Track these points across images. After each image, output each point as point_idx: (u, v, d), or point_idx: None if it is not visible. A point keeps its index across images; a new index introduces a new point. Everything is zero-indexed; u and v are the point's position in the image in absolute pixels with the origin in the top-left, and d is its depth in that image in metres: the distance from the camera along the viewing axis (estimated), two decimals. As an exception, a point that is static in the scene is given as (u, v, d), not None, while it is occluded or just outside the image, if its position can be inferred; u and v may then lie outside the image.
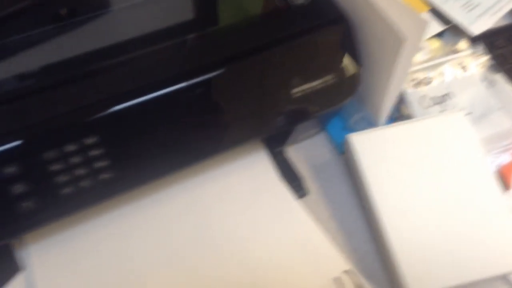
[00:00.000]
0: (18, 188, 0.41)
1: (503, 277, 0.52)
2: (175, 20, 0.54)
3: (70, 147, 0.42)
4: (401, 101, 0.61)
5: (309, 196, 0.57)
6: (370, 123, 0.60)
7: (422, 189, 0.53)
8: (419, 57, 0.63)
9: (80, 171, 0.43)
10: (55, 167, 0.42)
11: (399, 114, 0.62)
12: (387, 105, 0.56)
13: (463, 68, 0.62)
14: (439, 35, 0.68)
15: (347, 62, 0.52)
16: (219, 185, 0.54)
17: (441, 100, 0.61)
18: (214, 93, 0.47)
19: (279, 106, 0.50)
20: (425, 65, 0.62)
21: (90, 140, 0.43)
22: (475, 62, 0.63)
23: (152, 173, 0.47)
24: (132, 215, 0.51)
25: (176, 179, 0.53)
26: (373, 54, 0.52)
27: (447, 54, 0.64)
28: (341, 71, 0.52)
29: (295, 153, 0.61)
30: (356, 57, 0.52)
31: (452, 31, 0.69)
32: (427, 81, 0.61)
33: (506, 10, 0.70)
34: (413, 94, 0.61)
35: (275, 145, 0.58)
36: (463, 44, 0.63)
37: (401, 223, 0.52)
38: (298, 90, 0.50)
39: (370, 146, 0.56)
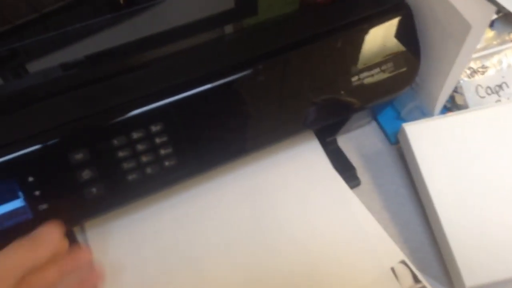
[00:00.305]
0: (86, 174, 0.42)
1: None
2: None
3: (136, 134, 0.43)
4: (456, 90, 0.60)
5: (361, 186, 0.57)
6: (423, 113, 0.59)
7: (479, 180, 0.52)
8: (474, 46, 0.62)
9: (145, 158, 0.43)
10: (122, 153, 0.42)
11: (453, 103, 0.61)
12: (444, 95, 0.55)
13: (520, 57, 0.61)
14: (490, 25, 0.67)
15: (407, 50, 0.51)
16: (273, 174, 0.54)
17: (497, 89, 0.60)
18: (272, 82, 0.47)
19: (336, 95, 0.49)
20: (481, 53, 0.61)
21: (154, 128, 0.43)
22: (532, 51, 0.61)
23: (211, 161, 0.47)
24: (191, 202, 0.51)
25: (233, 168, 0.53)
26: (434, 42, 0.51)
27: (502, 43, 0.62)
28: (400, 59, 0.51)
29: (346, 143, 0.60)
30: (416, 45, 0.52)
31: (503, 20, 0.67)
32: (482, 70, 0.60)
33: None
34: (468, 83, 0.60)
35: (327, 134, 0.58)
36: (520, 33, 0.62)
37: (457, 214, 0.51)
38: (355, 79, 0.49)
39: (425, 136, 0.55)
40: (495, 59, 0.61)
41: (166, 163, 0.44)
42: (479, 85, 0.60)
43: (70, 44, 0.49)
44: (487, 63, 0.60)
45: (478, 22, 0.45)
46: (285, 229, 0.50)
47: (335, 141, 0.58)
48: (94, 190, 0.42)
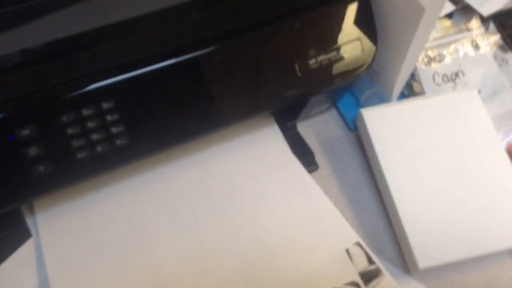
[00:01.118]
0: (33, 151, 0.40)
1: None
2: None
3: (86, 111, 0.42)
4: (413, 78, 0.61)
5: (319, 171, 0.57)
6: (381, 99, 0.60)
7: (433, 164, 0.53)
8: (431, 34, 0.63)
9: (95, 136, 0.42)
10: (71, 130, 0.41)
11: (410, 91, 0.62)
12: (401, 81, 0.56)
13: (475, 46, 0.62)
14: (449, 16, 0.68)
15: (364, 34, 0.51)
16: (232, 158, 0.53)
17: (453, 77, 0.61)
18: (229, 62, 0.46)
19: (293, 77, 0.49)
20: (438, 42, 0.62)
21: (106, 105, 0.42)
22: (487, 41, 0.62)
23: (165, 142, 0.46)
24: (144, 185, 0.50)
25: (188, 151, 0.53)
26: (390, 27, 0.52)
27: (458, 32, 0.63)
28: (357, 43, 0.51)
29: (305, 129, 0.60)
30: (373, 30, 0.52)
31: (461, 12, 0.69)
32: (439, 58, 0.61)
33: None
34: (425, 71, 0.61)
35: (287, 119, 0.58)
36: (474, 22, 0.63)
37: (411, 198, 0.52)
38: (312, 62, 0.49)
39: (382, 121, 0.56)
40: (451, 47, 0.62)
41: (118, 142, 0.43)
42: (436, 73, 0.61)
43: (21, 19, 0.47)
44: (444, 52, 0.62)
45: (431, 6, 0.46)
46: (241, 212, 0.50)
47: (294, 127, 0.59)
48: (41, 167, 0.41)
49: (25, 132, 0.40)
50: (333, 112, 0.63)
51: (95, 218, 0.48)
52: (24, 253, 0.45)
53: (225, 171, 0.52)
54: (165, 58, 0.44)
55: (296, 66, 0.49)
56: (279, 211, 0.51)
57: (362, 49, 0.52)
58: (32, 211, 0.48)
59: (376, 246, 0.52)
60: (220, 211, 0.50)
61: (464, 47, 0.62)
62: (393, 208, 0.52)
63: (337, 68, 0.51)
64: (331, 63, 0.50)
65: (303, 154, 0.56)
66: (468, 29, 0.63)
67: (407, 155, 0.54)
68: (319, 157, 0.58)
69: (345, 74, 0.52)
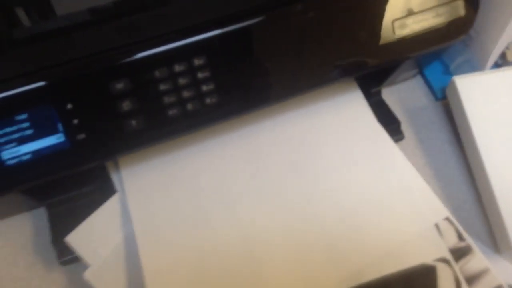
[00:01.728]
0: (127, 105, 0.40)
1: None
2: None
3: (179, 67, 0.40)
4: (507, 47, 0.56)
5: (404, 141, 0.54)
6: (474, 68, 0.56)
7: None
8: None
9: (186, 93, 0.41)
10: (163, 87, 0.40)
11: (504, 61, 0.57)
12: (499, 48, 0.52)
13: None
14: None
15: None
16: (315, 122, 0.51)
17: (554, 47, 0.56)
18: (316, 22, 0.44)
19: (384, 38, 0.46)
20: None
21: (197, 62, 0.41)
22: None
23: (253, 102, 0.45)
24: (228, 145, 0.49)
25: (271, 113, 0.51)
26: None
27: None
28: (457, 5, 0.47)
29: (389, 96, 0.57)
30: (475, -9, 0.48)
31: None
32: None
33: None
34: (524, 38, 0.56)
35: (371, 85, 0.55)
36: None
37: (507, 174, 0.48)
38: (407, 23, 0.46)
39: (477, 91, 0.52)
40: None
41: (208, 100, 0.42)
42: (536, 41, 0.56)
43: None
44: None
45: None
46: (325, 179, 0.48)
47: (379, 93, 0.56)
48: (134, 122, 0.40)
49: (120, 85, 0.39)
50: (419, 79, 0.60)
51: (180, 175, 0.47)
52: (109, 209, 0.46)
53: (308, 135, 0.51)
54: (253, 16, 0.42)
55: (388, 28, 0.46)
56: (364, 180, 0.49)
57: (462, 11, 0.48)
58: (117, 166, 0.48)
59: (463, 221, 0.49)
60: (303, 176, 0.49)
61: None
62: (485, 183, 0.49)
63: (433, 31, 0.47)
64: (427, 25, 0.47)
65: (388, 122, 0.53)
66: None
67: (503, 128, 0.50)
68: (404, 127, 0.55)
69: (441, 38, 0.48)
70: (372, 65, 0.47)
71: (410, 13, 0.46)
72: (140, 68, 0.40)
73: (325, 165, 0.49)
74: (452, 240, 0.46)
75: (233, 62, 0.42)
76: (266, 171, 0.48)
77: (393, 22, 0.45)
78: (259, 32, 0.42)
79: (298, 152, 0.50)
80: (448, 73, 0.58)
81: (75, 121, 0.39)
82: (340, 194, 0.48)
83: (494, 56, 0.53)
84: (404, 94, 0.58)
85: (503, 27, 0.49)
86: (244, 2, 0.42)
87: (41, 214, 0.49)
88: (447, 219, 0.47)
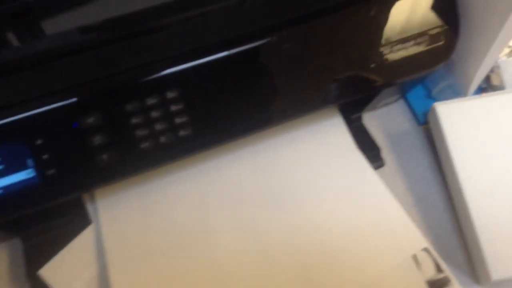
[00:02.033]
0: (98, 139, 0.39)
1: None
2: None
3: (151, 100, 0.40)
4: (492, 70, 0.56)
5: (384, 167, 0.54)
6: (456, 93, 0.55)
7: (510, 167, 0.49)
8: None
9: (159, 126, 0.41)
10: (135, 120, 0.40)
11: (488, 84, 0.57)
12: (481, 74, 0.51)
13: None
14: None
15: (445, 23, 0.47)
16: (293, 149, 0.51)
17: (538, 71, 0.56)
18: (295, 52, 0.43)
19: (367, 68, 0.46)
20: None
21: (171, 94, 0.41)
22: None
23: (228, 134, 0.44)
24: (204, 175, 0.49)
25: (250, 142, 0.51)
26: (475, 16, 0.47)
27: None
28: (437, 33, 0.47)
29: (370, 121, 0.57)
30: (455, 18, 0.48)
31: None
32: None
33: None
34: (506, 62, 0.56)
35: (352, 111, 0.55)
36: None
37: (486, 202, 0.48)
38: (388, 52, 0.46)
39: (458, 117, 0.51)
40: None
41: (181, 133, 0.42)
42: (518, 64, 0.56)
43: (86, 4, 0.46)
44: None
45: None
46: (302, 207, 0.48)
47: (360, 118, 0.55)
48: (105, 156, 0.40)
49: (90, 120, 0.39)
50: (401, 103, 0.59)
51: (155, 207, 0.47)
52: (83, 240, 0.45)
53: (286, 163, 0.50)
54: (227, 47, 0.41)
55: (370, 56, 0.45)
56: (342, 209, 0.48)
57: (442, 39, 0.47)
58: (92, 198, 0.47)
59: (443, 250, 0.49)
60: (281, 205, 0.48)
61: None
62: (465, 212, 0.48)
63: (414, 59, 0.47)
64: (407, 53, 0.47)
65: (368, 149, 0.53)
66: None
67: (483, 156, 0.50)
68: (385, 152, 0.55)
69: (422, 65, 0.48)
70: (352, 94, 0.47)
71: (390, 42, 0.46)
72: (111, 101, 0.39)
73: (302, 194, 0.49)
74: (430, 271, 0.46)
75: (207, 93, 0.42)
76: (244, 202, 0.48)
77: (373, 50, 0.45)
78: (234, 63, 0.42)
79: (276, 181, 0.49)
80: (431, 97, 0.57)
81: (45, 157, 0.39)
82: (317, 224, 0.47)
83: (477, 81, 0.53)
84: (387, 119, 0.58)
85: (484, 52, 0.48)
86: (219, 34, 0.42)
87: (17, 244, 0.48)
88: (425, 249, 0.47)
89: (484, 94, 0.54)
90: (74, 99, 0.38)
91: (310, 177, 0.50)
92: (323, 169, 0.50)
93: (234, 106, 0.43)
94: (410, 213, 0.50)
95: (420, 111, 0.57)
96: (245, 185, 0.49)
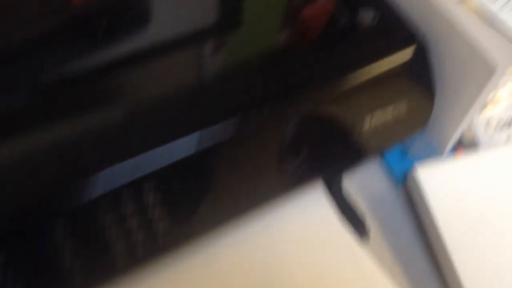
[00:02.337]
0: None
1: None
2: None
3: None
4: (468, 126, 0.56)
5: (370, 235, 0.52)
6: (433, 151, 0.54)
7: (502, 229, 0.48)
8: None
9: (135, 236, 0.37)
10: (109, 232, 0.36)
11: (461, 138, 0.56)
12: (457, 134, 0.50)
13: (533, 87, 0.57)
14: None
15: (420, 89, 0.46)
16: (276, 230, 0.47)
17: (509, 122, 0.56)
18: (270, 136, 0.41)
19: (345, 144, 0.44)
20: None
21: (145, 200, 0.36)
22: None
23: (205, 228, 0.41)
24: (187, 263, 0.44)
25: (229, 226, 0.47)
26: (451, 81, 0.46)
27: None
28: (413, 100, 0.46)
29: (349, 181, 0.55)
30: (430, 84, 0.47)
31: None
32: (495, 101, 0.55)
33: None
34: (479, 119, 0.55)
35: (331, 177, 0.52)
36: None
37: (478, 270, 0.46)
38: (366, 127, 0.44)
39: (438, 180, 0.50)
40: (508, 88, 0.56)
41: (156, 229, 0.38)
42: (491, 119, 0.55)
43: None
44: (498, 94, 0.56)
45: (502, 63, 0.40)
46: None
47: (339, 182, 0.52)
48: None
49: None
50: (378, 161, 0.57)
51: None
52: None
53: (269, 246, 0.47)
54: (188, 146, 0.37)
55: (349, 133, 0.43)
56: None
57: (419, 106, 0.46)
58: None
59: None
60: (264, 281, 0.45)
61: (521, 89, 0.56)
62: (456, 282, 0.47)
63: (392, 129, 0.45)
64: (385, 123, 0.45)
65: (352, 218, 0.50)
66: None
67: (468, 220, 0.48)
68: (367, 216, 0.52)
69: (400, 134, 0.47)
70: (335, 169, 0.45)
71: (368, 114, 0.44)
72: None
73: (288, 277, 0.45)
74: None
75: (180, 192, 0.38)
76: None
77: (352, 123, 0.43)
78: (200, 160, 0.38)
79: (259, 265, 0.46)
80: (407, 156, 0.56)
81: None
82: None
83: (452, 142, 0.51)
84: (364, 179, 0.56)
85: (462, 116, 0.47)
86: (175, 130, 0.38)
87: None
88: (422, 329, 0.44)
89: (459, 155, 0.53)
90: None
91: (297, 262, 0.46)
92: (308, 252, 0.47)
93: (209, 202, 0.40)
94: (400, 285, 0.48)
95: (398, 171, 0.55)
96: (229, 273, 0.45)
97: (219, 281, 0.44)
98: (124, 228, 0.36)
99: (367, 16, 0.46)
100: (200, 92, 0.40)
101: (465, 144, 0.56)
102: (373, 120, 0.44)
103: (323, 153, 0.44)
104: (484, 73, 0.41)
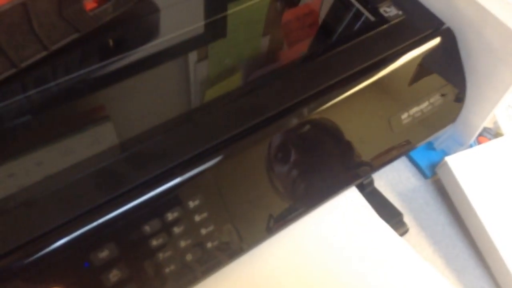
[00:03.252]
0: (115, 275, 0.32)
1: None
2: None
3: (172, 215, 0.34)
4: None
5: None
6: (458, 142, 0.54)
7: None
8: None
9: (184, 243, 0.35)
10: (156, 242, 0.34)
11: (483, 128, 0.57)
12: (484, 123, 0.50)
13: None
14: None
15: (451, 80, 0.46)
16: (317, 230, 0.46)
17: (528, 108, 0.56)
18: (310, 136, 0.40)
19: (386, 137, 0.43)
20: None
21: (192, 203, 0.35)
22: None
23: (257, 234, 0.39)
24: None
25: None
26: (480, 69, 0.46)
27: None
28: (445, 91, 0.46)
29: (377, 180, 0.54)
30: (461, 74, 0.47)
31: None
32: (511, 90, 0.56)
33: None
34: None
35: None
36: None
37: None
38: (404, 117, 0.43)
39: (470, 168, 0.50)
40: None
41: (209, 245, 0.36)
42: (510, 106, 0.56)
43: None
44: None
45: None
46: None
47: (372, 183, 0.52)
48: (125, 294, 0.33)
49: (103, 254, 0.32)
50: (403, 158, 0.57)
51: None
52: None
53: (312, 248, 0.45)
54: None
55: (388, 125, 0.43)
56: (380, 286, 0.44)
57: (451, 97, 0.46)
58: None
59: (487, 313, 0.46)
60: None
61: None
62: (501, 268, 0.46)
63: (428, 121, 0.45)
64: (423, 116, 0.45)
65: (389, 214, 0.49)
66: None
67: (505, 203, 0.48)
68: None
69: (435, 127, 0.46)
70: (376, 168, 0.44)
71: (405, 108, 0.43)
72: (124, 226, 0.33)
73: (334, 277, 0.44)
74: None
75: (228, 195, 0.37)
76: None
77: (389, 120, 0.43)
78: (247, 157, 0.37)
79: (304, 266, 0.44)
80: (433, 149, 0.56)
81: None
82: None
83: (478, 130, 0.52)
84: (392, 176, 0.55)
85: (493, 104, 0.47)
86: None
87: None
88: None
89: (486, 141, 0.53)
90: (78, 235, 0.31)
91: (340, 259, 0.45)
92: (353, 248, 0.45)
93: (256, 204, 0.38)
94: (444, 276, 0.47)
95: (425, 165, 0.55)
96: (275, 275, 0.43)
97: (270, 278, 0.43)
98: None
99: (390, 8, 0.46)
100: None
101: (487, 132, 0.57)
102: (406, 116, 0.44)
103: (362, 151, 0.43)
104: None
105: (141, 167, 0.34)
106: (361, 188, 0.51)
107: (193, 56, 0.46)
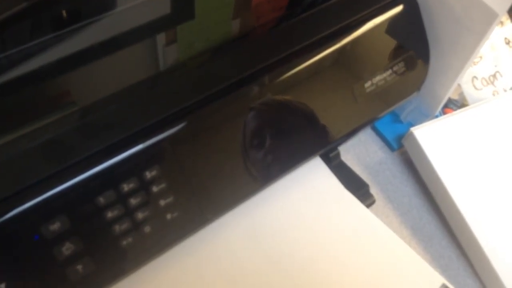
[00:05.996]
0: (68, 248, 0.31)
1: None
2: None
3: (128, 186, 0.33)
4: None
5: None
6: (424, 114, 0.54)
7: (501, 176, 0.48)
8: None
9: (141, 214, 0.33)
10: (111, 214, 0.32)
11: (448, 99, 0.57)
12: (449, 93, 0.50)
13: (508, 43, 0.58)
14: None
15: (414, 49, 0.45)
16: (282, 202, 0.45)
17: (491, 79, 0.57)
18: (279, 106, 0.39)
19: (349, 106, 0.43)
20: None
21: (150, 174, 0.33)
22: (518, 36, 0.58)
23: (217, 208, 0.38)
24: (196, 247, 0.41)
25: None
26: (445, 36, 0.46)
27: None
28: (408, 60, 0.45)
29: (345, 153, 0.53)
30: (424, 43, 0.46)
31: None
32: (476, 60, 0.56)
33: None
34: (466, 75, 0.56)
35: (329, 150, 0.51)
36: (504, 18, 0.59)
37: (488, 221, 0.46)
38: (368, 85, 0.43)
39: (436, 138, 0.50)
40: (487, 46, 0.57)
41: (168, 216, 0.35)
42: (475, 77, 0.56)
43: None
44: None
45: (501, 8, 0.40)
46: (308, 266, 0.43)
47: (338, 155, 0.51)
48: (79, 267, 0.32)
49: (54, 226, 0.31)
50: (369, 131, 0.57)
51: None
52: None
53: (279, 220, 0.45)
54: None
55: (352, 94, 0.42)
56: (351, 258, 0.44)
57: (415, 66, 0.46)
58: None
59: (453, 280, 0.47)
60: (281, 266, 0.42)
61: (498, 45, 0.57)
62: (468, 236, 0.47)
63: (392, 90, 0.45)
64: (386, 85, 0.44)
65: (356, 186, 0.49)
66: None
67: (471, 172, 0.49)
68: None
69: (399, 95, 0.46)
70: (340, 138, 0.43)
71: (368, 77, 0.43)
72: (76, 198, 0.31)
73: (306, 250, 0.43)
74: (454, 309, 0.43)
75: (189, 165, 0.36)
76: (237, 265, 0.41)
77: (353, 89, 0.42)
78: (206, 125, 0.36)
79: (269, 240, 0.44)
80: (399, 121, 0.56)
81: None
82: (326, 279, 0.42)
83: (443, 102, 0.52)
84: (359, 150, 0.55)
85: (457, 73, 0.47)
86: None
87: None
88: (443, 286, 0.44)
89: (450, 112, 0.53)
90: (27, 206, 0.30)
91: (308, 230, 0.45)
92: (319, 220, 0.45)
93: (217, 176, 0.37)
94: (410, 247, 0.47)
95: (391, 137, 0.55)
96: (238, 249, 0.42)
97: (228, 253, 0.42)
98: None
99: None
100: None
101: (452, 104, 0.57)
102: (369, 85, 0.43)
103: (323, 122, 0.42)
104: (484, 21, 0.41)
105: (93, 136, 0.32)
106: (328, 161, 0.50)
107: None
